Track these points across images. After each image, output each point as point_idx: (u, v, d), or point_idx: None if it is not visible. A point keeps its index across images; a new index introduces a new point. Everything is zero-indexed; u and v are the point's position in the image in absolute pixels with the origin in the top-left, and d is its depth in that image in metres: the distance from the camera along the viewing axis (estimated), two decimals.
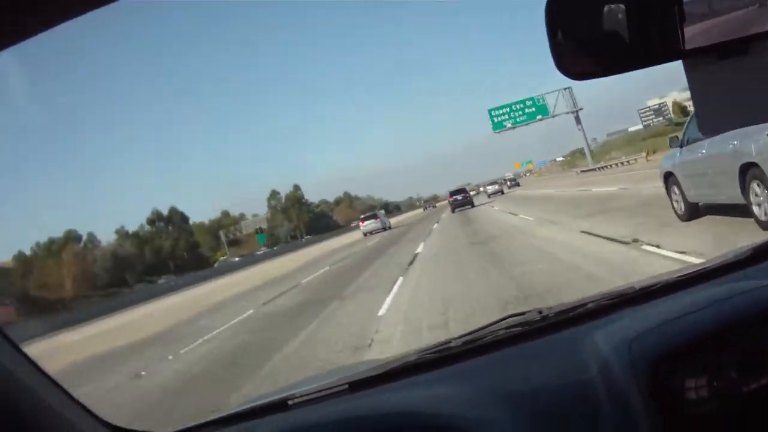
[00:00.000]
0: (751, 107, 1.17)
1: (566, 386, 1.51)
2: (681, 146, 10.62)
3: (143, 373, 11.80)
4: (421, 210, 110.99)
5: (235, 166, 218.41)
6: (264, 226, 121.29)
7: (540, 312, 1.93)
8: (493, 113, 77.45)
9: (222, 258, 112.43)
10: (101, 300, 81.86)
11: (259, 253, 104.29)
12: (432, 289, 12.10)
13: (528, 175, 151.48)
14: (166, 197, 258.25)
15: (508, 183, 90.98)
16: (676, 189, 11.02)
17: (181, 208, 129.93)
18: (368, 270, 20.26)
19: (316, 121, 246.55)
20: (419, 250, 21.85)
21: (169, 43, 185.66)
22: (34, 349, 23.24)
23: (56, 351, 24.70)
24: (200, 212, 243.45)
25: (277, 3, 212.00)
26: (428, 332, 8.19)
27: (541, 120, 78.17)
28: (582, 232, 13.50)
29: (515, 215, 25.72)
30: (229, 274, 62.74)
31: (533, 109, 77.87)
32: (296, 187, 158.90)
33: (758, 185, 8.24)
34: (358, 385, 1.86)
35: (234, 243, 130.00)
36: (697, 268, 1.97)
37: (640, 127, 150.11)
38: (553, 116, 78.51)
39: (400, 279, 14.77)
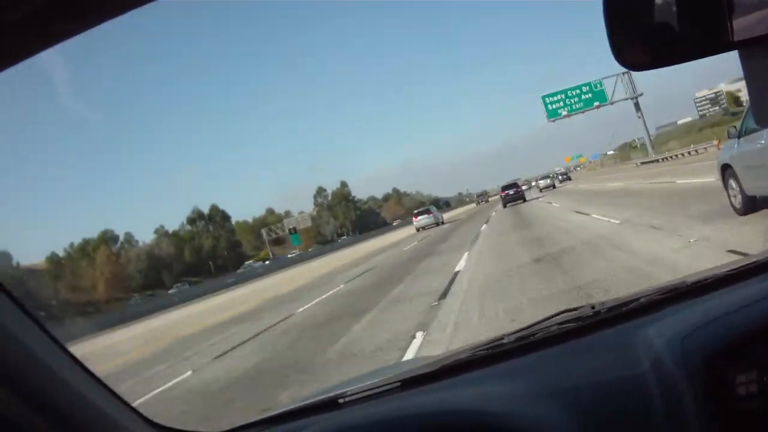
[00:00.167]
0: None
1: (618, 382, 1.49)
2: (739, 137, 10.13)
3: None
4: (471, 206, 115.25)
5: (284, 164, 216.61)
6: (308, 224, 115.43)
7: (592, 307, 1.90)
8: (547, 100, 70.97)
9: (247, 263, 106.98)
10: (134, 303, 77.80)
11: (289, 256, 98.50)
12: None
13: (579, 169, 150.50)
14: (211, 195, 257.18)
15: (560, 177, 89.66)
16: (733, 182, 10.53)
17: (226, 206, 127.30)
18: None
19: (366, 118, 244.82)
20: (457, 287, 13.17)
21: (217, 38, 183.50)
22: None
23: None
24: (246, 210, 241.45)
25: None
26: None
27: (598, 107, 71.05)
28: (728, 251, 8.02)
29: (586, 215, 19.83)
30: (235, 287, 57.53)
31: (590, 95, 71.01)
32: (343, 184, 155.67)
33: None
34: (410, 382, 1.84)
35: (277, 242, 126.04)
36: (749, 262, 1.88)
37: (689, 119, 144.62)
38: (612, 103, 71.37)
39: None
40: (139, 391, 10.62)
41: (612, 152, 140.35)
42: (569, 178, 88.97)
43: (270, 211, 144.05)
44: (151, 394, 10.25)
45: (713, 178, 13.32)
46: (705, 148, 50.94)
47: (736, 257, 7.02)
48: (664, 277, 7.13)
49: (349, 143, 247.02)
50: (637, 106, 72.74)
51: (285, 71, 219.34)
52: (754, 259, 1.87)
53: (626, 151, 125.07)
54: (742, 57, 1.15)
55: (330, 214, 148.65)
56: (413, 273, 17.79)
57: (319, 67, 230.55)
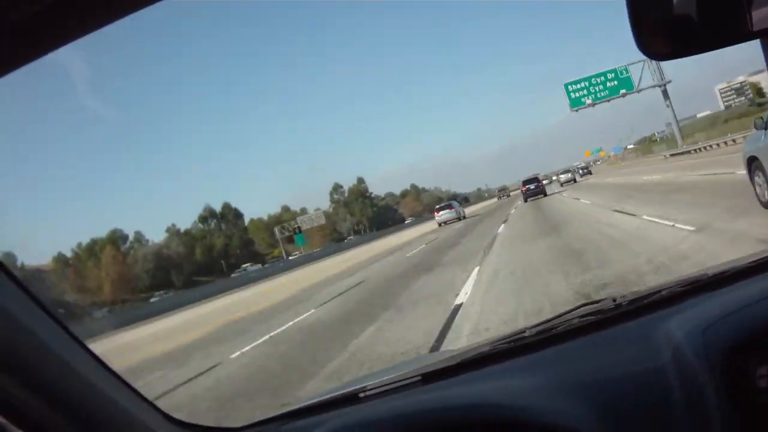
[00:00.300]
0: None
1: (639, 374, 1.48)
2: (766, 128, 9.50)
3: None
4: (489, 201, 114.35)
5: (301, 162, 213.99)
6: (321, 221, 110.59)
7: (614, 300, 1.89)
8: (570, 88, 65.33)
9: (243, 266, 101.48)
10: (138, 304, 73.47)
11: (291, 258, 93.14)
12: None
13: (598, 163, 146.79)
14: (228, 194, 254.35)
15: (580, 171, 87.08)
16: (760, 174, 9.91)
17: (243, 204, 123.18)
18: None
19: (385, 116, 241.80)
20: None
21: (229, 36, 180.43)
22: None
23: None
24: (263, 208, 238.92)
25: None
26: None
27: (624, 95, 65.29)
28: None
29: (633, 216, 14.89)
30: (216, 297, 51.02)
31: (615, 82, 65.19)
32: (360, 180, 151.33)
33: None
34: (431, 376, 1.83)
35: (291, 239, 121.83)
36: None
37: (708, 112, 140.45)
38: (639, 91, 65.55)
39: None
40: None
41: (632, 146, 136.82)
42: (590, 173, 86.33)
43: (285, 209, 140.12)
44: None
45: None
46: (744, 137, 45.35)
47: None
48: None
49: (367, 141, 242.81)
50: (665, 93, 66.82)
51: (302, 70, 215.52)
52: None
53: (646, 145, 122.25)
54: (764, 46, 1.22)
55: (346, 211, 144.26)
56: (398, 302, 12.64)
57: (338, 65, 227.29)
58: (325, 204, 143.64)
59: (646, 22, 1.18)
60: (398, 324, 10.01)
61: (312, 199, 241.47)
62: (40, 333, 1.20)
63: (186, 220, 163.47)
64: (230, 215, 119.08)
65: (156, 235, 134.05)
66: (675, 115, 68.59)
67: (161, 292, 75.74)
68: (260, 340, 12.79)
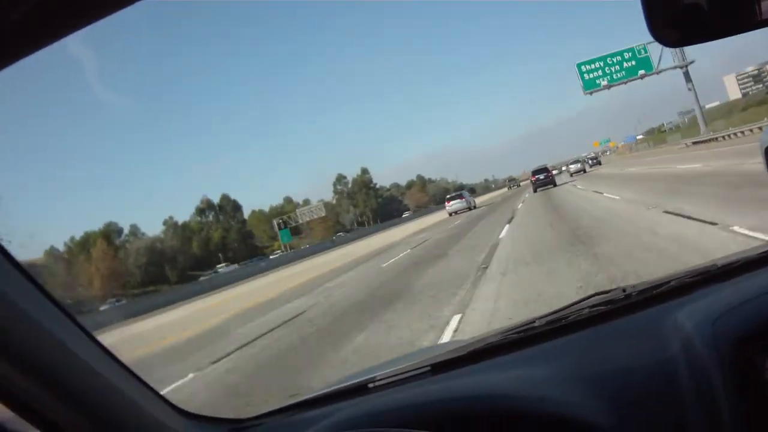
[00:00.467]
0: None
1: (649, 365, 1.46)
2: None
3: None
4: (496, 193, 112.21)
5: (306, 152, 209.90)
6: (321, 213, 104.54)
7: (623, 290, 1.85)
8: (583, 69, 58.68)
9: (218, 267, 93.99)
10: (129, 301, 67.52)
11: (272, 257, 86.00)
12: None
13: (608, 153, 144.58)
14: (228, 185, 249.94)
15: (590, 162, 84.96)
16: None
17: (245, 195, 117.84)
18: None
19: (391, 107, 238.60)
20: None
21: (230, 26, 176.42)
22: None
23: None
24: (265, 199, 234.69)
25: None
26: None
27: (643, 77, 58.45)
28: None
29: (705, 223, 9.51)
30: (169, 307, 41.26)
31: (633, 62, 58.31)
32: (364, 171, 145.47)
33: None
34: (440, 367, 1.80)
35: (294, 231, 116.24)
36: None
37: (717, 103, 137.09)
38: (658, 72, 58.74)
39: None
40: None
41: (640, 137, 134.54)
42: (599, 163, 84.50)
43: (288, 200, 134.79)
44: None
45: None
46: None
47: None
48: None
49: (374, 134, 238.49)
50: (687, 75, 59.79)
51: (308, 63, 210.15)
52: None
53: (655, 135, 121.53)
54: None
55: (350, 202, 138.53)
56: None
57: (342, 59, 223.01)
58: (329, 195, 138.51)
59: (658, 8, 1.19)
60: None
61: (316, 190, 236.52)
62: (43, 320, 1.17)
63: (185, 213, 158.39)
64: (228, 207, 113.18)
65: (155, 228, 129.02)
66: (697, 98, 61.61)
67: (113, 299, 68.71)
68: None
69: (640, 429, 1.35)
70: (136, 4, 0.97)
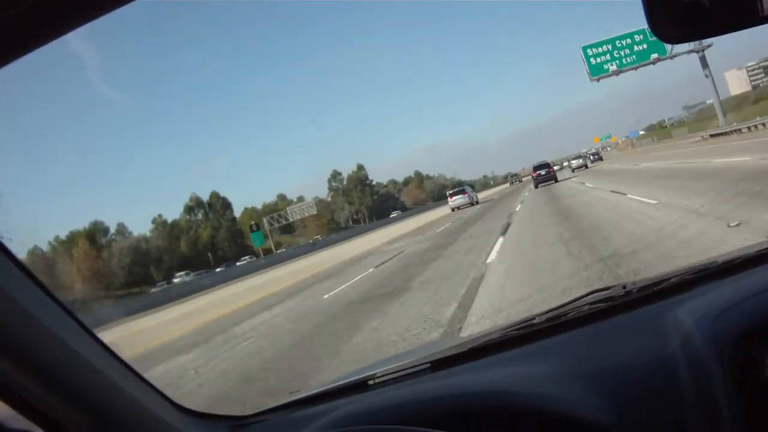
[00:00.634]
0: None
1: (648, 362, 1.45)
2: None
3: None
4: (495, 189, 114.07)
5: (300, 149, 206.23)
6: (313, 211, 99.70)
7: (624, 287, 1.82)
8: (589, 52, 53.69)
9: (179, 274, 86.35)
10: (111, 304, 62.80)
11: (239, 264, 79.13)
12: None
13: (609, 149, 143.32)
14: (221, 183, 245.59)
15: (591, 157, 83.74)
16: None
17: (236, 193, 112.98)
18: None
19: (389, 103, 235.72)
20: None
21: (223, 21, 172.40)
22: None
23: None
24: (258, 196, 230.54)
25: None
26: None
27: (656, 61, 53.48)
28: None
29: None
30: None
31: (645, 45, 53.24)
32: (360, 167, 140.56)
33: None
34: (440, 364, 1.79)
35: (287, 229, 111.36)
36: None
37: (721, 98, 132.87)
38: (672, 56, 53.75)
39: None
40: None
41: (642, 132, 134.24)
42: (601, 159, 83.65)
43: (281, 197, 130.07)
44: None
45: None
46: None
47: None
48: None
49: (370, 129, 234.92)
50: (703, 60, 54.57)
51: (304, 58, 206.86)
52: None
53: (657, 130, 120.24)
54: None
55: (345, 200, 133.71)
56: None
57: (338, 54, 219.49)
58: (325, 192, 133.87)
59: (658, 5, 1.18)
60: None
61: (311, 187, 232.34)
62: (43, 318, 1.16)
63: (176, 211, 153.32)
64: (218, 205, 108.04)
65: (143, 227, 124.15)
66: (715, 86, 56.36)
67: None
68: None
69: (639, 426, 1.33)
70: (133, 3, 0.96)
